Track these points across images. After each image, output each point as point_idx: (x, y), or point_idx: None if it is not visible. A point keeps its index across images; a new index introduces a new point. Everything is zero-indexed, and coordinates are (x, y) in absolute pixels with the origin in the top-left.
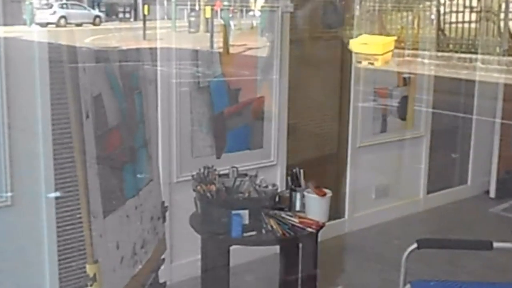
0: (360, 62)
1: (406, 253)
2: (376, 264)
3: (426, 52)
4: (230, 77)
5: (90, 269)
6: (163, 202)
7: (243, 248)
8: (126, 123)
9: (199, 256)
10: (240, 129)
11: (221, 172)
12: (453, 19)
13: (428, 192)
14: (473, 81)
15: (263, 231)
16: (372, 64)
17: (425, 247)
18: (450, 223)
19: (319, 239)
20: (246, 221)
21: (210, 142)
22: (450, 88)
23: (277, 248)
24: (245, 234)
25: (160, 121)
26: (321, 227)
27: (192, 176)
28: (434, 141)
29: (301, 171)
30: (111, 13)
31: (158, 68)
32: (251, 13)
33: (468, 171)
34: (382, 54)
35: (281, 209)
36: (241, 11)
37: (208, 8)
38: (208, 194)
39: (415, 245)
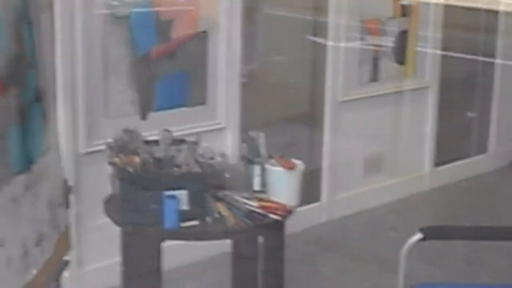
0: None
1: (406, 247)
2: (364, 264)
3: None
4: (160, 4)
5: None
6: (65, 181)
7: (181, 244)
8: (10, 67)
9: (119, 258)
10: (173, 77)
11: (148, 138)
12: None
13: (436, 165)
14: (496, 12)
15: (209, 219)
16: None
17: (432, 238)
18: (465, 205)
19: (286, 231)
20: (185, 206)
21: (132, 96)
22: (466, 21)
23: (228, 243)
24: (183, 225)
25: (59, 65)
26: (289, 213)
27: (107, 144)
28: (444, 95)
29: (261, 135)
30: None
31: None
32: None
33: (488, 135)
34: None
35: (234, 189)
36: None
37: None
38: (130, 169)
39: (419, 236)
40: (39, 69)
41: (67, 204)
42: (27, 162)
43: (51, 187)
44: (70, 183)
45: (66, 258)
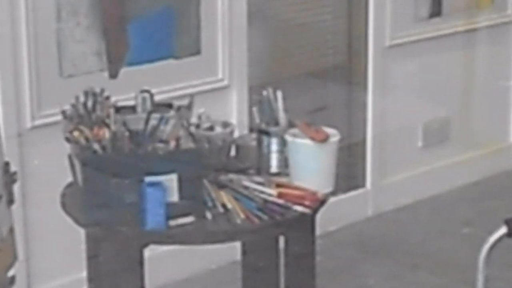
0: None
1: (486, 246)
2: (428, 274)
3: None
4: None
5: None
6: (7, 165)
7: (170, 251)
8: None
9: (84, 274)
10: (155, 17)
11: (121, 103)
12: None
13: None
14: None
15: (208, 215)
16: None
17: None
18: None
19: (317, 229)
20: (174, 197)
21: (96, 45)
22: None
23: (236, 248)
24: (172, 223)
25: None
26: (321, 203)
27: (63, 113)
28: None
29: (279, 95)
30: None
31: None
32: None
33: None
34: None
35: (243, 171)
36: None
37: None
38: (96, 147)
39: (503, 230)
40: None
41: (9, 199)
42: None
43: None
44: (14, 168)
45: (10, 273)
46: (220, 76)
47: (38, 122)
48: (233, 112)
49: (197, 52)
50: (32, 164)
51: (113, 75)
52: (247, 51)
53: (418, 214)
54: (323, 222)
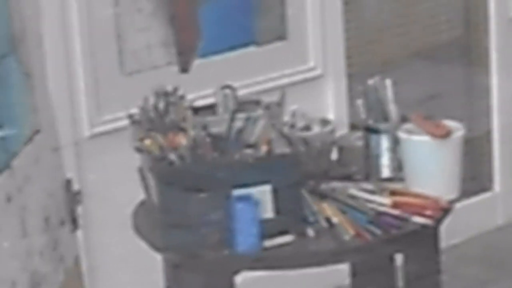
0: None
1: None
2: None
3: None
4: None
5: None
6: (68, 182)
7: (264, 277)
8: None
9: None
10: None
11: (197, 103)
12: None
13: None
14: None
15: (310, 232)
16: None
17: None
18: None
19: (442, 243)
20: (269, 213)
21: (163, 34)
22: None
23: (342, 270)
24: (267, 244)
25: None
26: (446, 213)
27: (130, 117)
28: None
29: (388, 83)
30: None
31: None
32: None
33: None
34: None
35: (348, 178)
36: None
37: None
38: (173, 156)
39: None
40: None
41: (73, 224)
42: (3, 155)
43: (46, 193)
44: (76, 186)
45: None
46: (312, 64)
47: (97, 129)
48: (329, 107)
49: (283, 36)
50: (92, 179)
51: (185, 69)
52: (344, 32)
53: None
54: (445, 234)
